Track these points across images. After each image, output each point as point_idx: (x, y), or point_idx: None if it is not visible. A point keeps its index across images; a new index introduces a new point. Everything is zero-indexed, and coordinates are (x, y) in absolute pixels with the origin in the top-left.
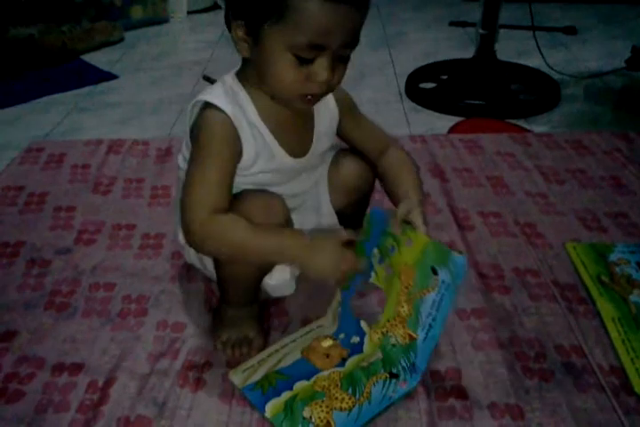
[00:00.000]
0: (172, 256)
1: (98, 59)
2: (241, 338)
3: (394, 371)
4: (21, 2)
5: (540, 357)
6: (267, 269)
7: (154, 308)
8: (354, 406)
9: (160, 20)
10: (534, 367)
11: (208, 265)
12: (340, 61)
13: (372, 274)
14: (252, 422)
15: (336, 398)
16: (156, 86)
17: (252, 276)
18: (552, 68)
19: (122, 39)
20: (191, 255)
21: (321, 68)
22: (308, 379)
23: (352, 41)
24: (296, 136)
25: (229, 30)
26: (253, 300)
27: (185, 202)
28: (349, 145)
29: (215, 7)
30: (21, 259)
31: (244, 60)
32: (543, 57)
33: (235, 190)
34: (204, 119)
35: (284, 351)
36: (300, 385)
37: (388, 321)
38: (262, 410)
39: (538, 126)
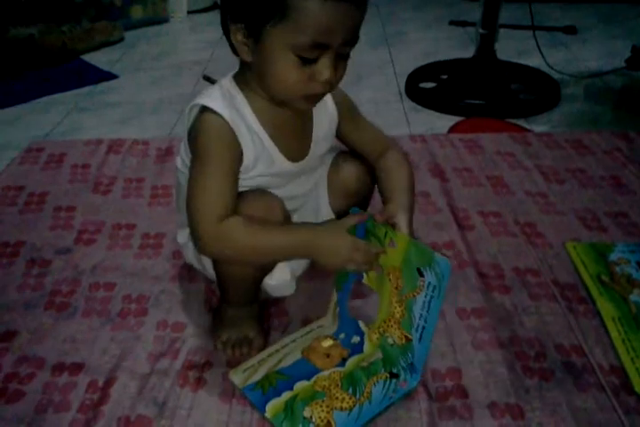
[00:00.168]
0: (173, 256)
1: (98, 59)
2: (241, 338)
3: (394, 371)
4: (21, 2)
5: (540, 356)
6: (267, 269)
7: (154, 308)
8: (354, 405)
9: (160, 19)
10: (534, 367)
11: (207, 265)
12: (341, 59)
13: (364, 275)
14: (253, 422)
15: (336, 398)
16: (156, 86)
17: (252, 276)
18: (552, 68)
19: (122, 39)
20: (190, 256)
21: (324, 67)
22: (308, 379)
23: (353, 39)
24: (294, 140)
25: (226, 35)
26: (253, 300)
27: (192, 215)
28: (348, 147)
29: (215, 7)
30: (21, 259)
31: (242, 64)
32: (543, 57)
33: None
34: (202, 123)
35: (285, 351)
36: (300, 385)
37: (384, 322)
38: (262, 410)
39: (538, 126)
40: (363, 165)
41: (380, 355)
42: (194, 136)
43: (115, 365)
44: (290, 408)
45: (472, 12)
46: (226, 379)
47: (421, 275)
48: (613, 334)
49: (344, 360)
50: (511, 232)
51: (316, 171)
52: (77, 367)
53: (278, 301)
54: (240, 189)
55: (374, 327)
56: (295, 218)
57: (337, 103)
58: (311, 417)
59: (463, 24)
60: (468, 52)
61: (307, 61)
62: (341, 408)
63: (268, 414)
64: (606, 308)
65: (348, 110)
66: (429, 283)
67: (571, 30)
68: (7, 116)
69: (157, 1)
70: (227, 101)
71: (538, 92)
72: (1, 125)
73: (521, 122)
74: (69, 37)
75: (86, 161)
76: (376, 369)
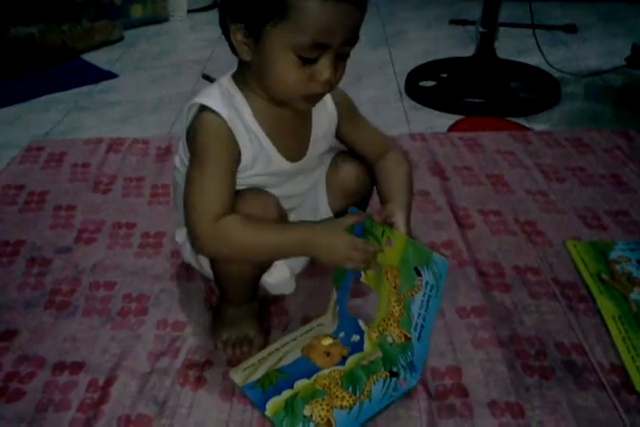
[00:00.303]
0: (172, 255)
1: (98, 58)
2: (241, 337)
3: (394, 369)
4: (21, 1)
5: (540, 355)
6: (264, 266)
7: (154, 307)
8: (354, 404)
9: (160, 18)
10: (534, 365)
11: (204, 265)
12: (340, 59)
13: (362, 273)
14: (253, 421)
15: (336, 397)
16: (156, 85)
17: (250, 274)
18: (552, 67)
19: (122, 38)
20: (187, 255)
21: (324, 67)
22: (308, 377)
23: (353, 39)
24: (293, 139)
25: (226, 34)
26: (252, 298)
27: (189, 214)
28: (348, 147)
29: (215, 6)
30: (21, 258)
31: (241, 63)
32: (543, 55)
33: None
34: (200, 122)
35: (285, 350)
36: (300, 384)
37: (383, 320)
38: (263, 408)
39: (538, 124)
40: (362, 165)
41: (379, 354)
42: (192, 135)
43: (115, 364)
44: (290, 407)
45: (472, 11)
46: (226, 378)
47: (419, 274)
48: (614, 332)
49: (344, 359)
50: (511, 231)
51: (314, 170)
52: (78, 366)
53: (278, 299)
54: (237, 188)
55: (374, 326)
56: (293, 217)
57: (336, 103)
58: (311, 416)
59: (463, 23)
60: (468, 51)
61: (307, 61)
62: (341, 407)
63: (268, 413)
64: (606, 306)
65: (347, 110)
66: (427, 282)
67: (571, 29)
68: (7, 115)
69: (157, 0)
70: (225, 101)
71: (538, 90)
72: (1, 124)
73: (521, 120)
74: (69, 37)
75: (86, 160)
76: (376, 368)
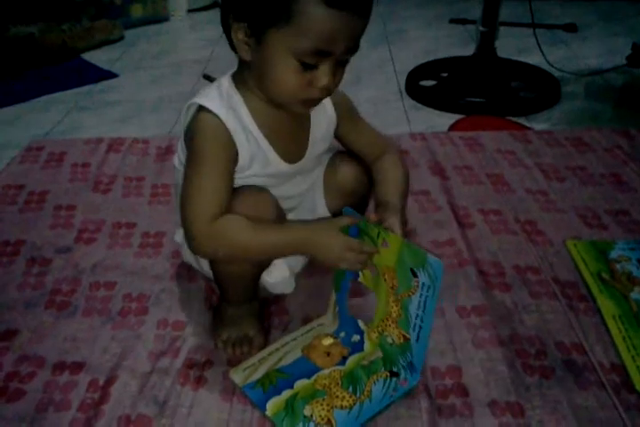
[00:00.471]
0: (172, 255)
1: (98, 57)
2: (241, 337)
3: (394, 369)
4: (21, 0)
5: (540, 354)
6: (264, 265)
7: (154, 306)
8: (354, 404)
9: (160, 18)
10: (535, 365)
11: (204, 265)
12: (339, 66)
13: (360, 274)
14: (253, 421)
15: (337, 397)
16: (156, 85)
17: (249, 273)
18: (552, 66)
19: (122, 38)
20: (187, 254)
21: (324, 74)
22: (308, 377)
23: (354, 47)
24: (291, 141)
25: (226, 32)
26: (252, 297)
27: (185, 215)
28: (346, 148)
29: (215, 5)
30: (22, 258)
31: (241, 63)
32: (543, 54)
33: None
34: (198, 123)
35: (285, 350)
36: (300, 384)
37: (382, 321)
38: (263, 408)
39: (538, 124)
40: (360, 165)
41: (380, 354)
42: (190, 136)
43: (115, 364)
44: (290, 407)
45: (472, 10)
46: (226, 377)
47: (415, 275)
48: (614, 331)
49: (344, 359)
50: (511, 230)
51: (312, 171)
52: (78, 366)
53: (278, 299)
54: (235, 187)
55: (373, 326)
56: (291, 217)
57: (335, 104)
58: (311, 416)
59: (463, 22)
60: (469, 50)
61: (307, 67)
62: (342, 407)
63: (268, 413)
64: (607, 306)
65: (346, 111)
66: (423, 283)
67: (571, 28)
68: (7, 115)
69: None
70: (224, 101)
71: (538, 89)
72: (1, 124)
73: (521, 120)
74: (69, 36)
75: (86, 160)
76: (376, 368)
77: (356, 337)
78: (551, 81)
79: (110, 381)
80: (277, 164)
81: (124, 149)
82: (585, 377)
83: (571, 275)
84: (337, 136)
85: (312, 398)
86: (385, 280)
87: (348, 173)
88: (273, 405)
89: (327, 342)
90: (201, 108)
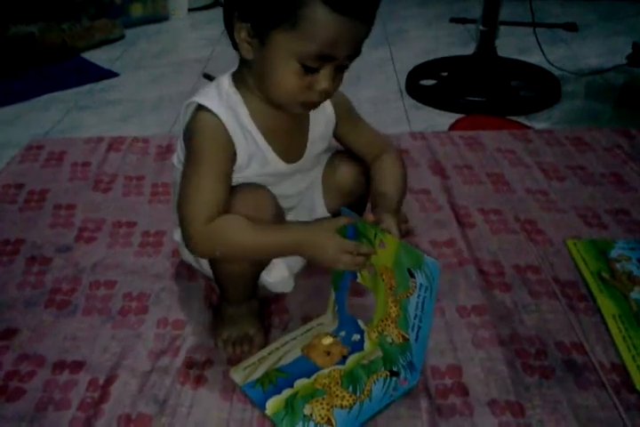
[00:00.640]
0: (173, 254)
1: (98, 56)
2: (241, 336)
3: (394, 369)
4: (21, 0)
5: (540, 354)
6: (264, 264)
7: (154, 305)
8: (354, 403)
9: (160, 17)
10: (535, 365)
11: (204, 264)
12: (340, 70)
13: (358, 274)
14: (253, 420)
15: (337, 396)
16: (157, 84)
17: (249, 272)
18: (552, 65)
19: (122, 37)
20: (186, 254)
21: (325, 78)
22: (308, 377)
23: (357, 52)
24: (290, 141)
25: (229, 30)
26: (252, 295)
27: (183, 215)
28: (345, 148)
29: (215, 4)
30: (22, 257)
31: (242, 62)
32: (544, 53)
33: None
34: (197, 122)
35: (285, 349)
36: (300, 383)
37: (382, 321)
38: (263, 407)
39: (538, 123)
40: (358, 165)
41: (380, 353)
42: (189, 136)
43: (115, 363)
44: (290, 406)
45: (472, 10)
46: (226, 377)
47: (412, 276)
48: (614, 331)
49: (344, 358)
50: (512, 229)
51: (311, 170)
52: (78, 365)
53: (278, 298)
54: (233, 185)
55: (372, 326)
56: (290, 217)
57: (335, 104)
58: (311, 415)
59: (464, 21)
60: (469, 50)
61: (309, 70)
62: (342, 406)
63: (268, 412)
64: (607, 305)
65: (345, 111)
66: (421, 284)
67: (571, 27)
68: (7, 114)
69: None
70: (223, 100)
71: (538, 89)
72: (1, 124)
73: (521, 119)
74: (69, 35)
75: (86, 159)
76: (376, 367)
77: (356, 336)
78: (551, 80)
79: (110, 380)
80: (276, 163)
81: (124, 148)
82: (585, 377)
83: (571, 274)
84: (336, 136)
85: (312, 398)
86: (383, 280)
87: (346, 173)
88: (273, 404)
89: (327, 341)
90: (200, 108)
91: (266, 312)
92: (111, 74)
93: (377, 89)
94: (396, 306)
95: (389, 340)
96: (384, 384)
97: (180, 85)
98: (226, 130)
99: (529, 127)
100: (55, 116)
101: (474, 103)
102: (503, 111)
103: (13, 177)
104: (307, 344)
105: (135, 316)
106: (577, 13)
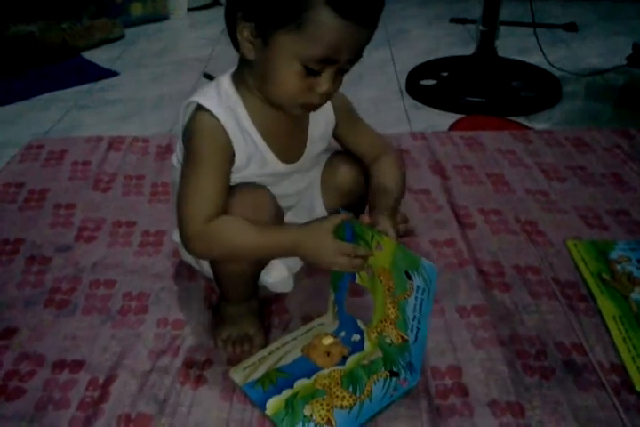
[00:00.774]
0: (173, 254)
1: (98, 56)
2: (241, 335)
3: (394, 369)
4: None
5: (540, 354)
6: (263, 263)
7: (154, 305)
8: (355, 404)
9: (160, 17)
10: (535, 365)
11: (204, 265)
12: (340, 73)
13: (356, 275)
14: (253, 420)
15: (337, 396)
16: (157, 83)
17: (249, 272)
18: (553, 65)
19: (122, 36)
20: (185, 254)
21: (326, 80)
22: (308, 377)
23: (358, 57)
24: (289, 141)
25: (230, 29)
26: (252, 295)
27: (181, 215)
28: (344, 148)
29: (215, 4)
30: (21, 256)
31: (242, 62)
32: (544, 54)
33: None
34: (196, 123)
35: (285, 349)
36: (300, 383)
37: (381, 322)
38: (263, 408)
39: (538, 123)
40: (357, 165)
41: (380, 353)
42: (188, 136)
43: (115, 362)
44: (290, 406)
45: (473, 10)
46: (226, 377)
47: (410, 278)
48: (614, 332)
49: (344, 358)
50: (512, 230)
51: (311, 170)
52: (78, 365)
53: (278, 298)
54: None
55: (372, 327)
56: (290, 216)
57: (335, 105)
58: (311, 415)
59: (464, 21)
60: (469, 50)
61: (310, 73)
62: (342, 406)
63: (268, 412)
64: (607, 306)
65: (345, 112)
66: (418, 286)
67: (571, 27)
68: (7, 113)
69: None
70: (222, 100)
71: (538, 89)
72: (1, 123)
73: (522, 119)
74: (69, 34)
75: (86, 158)
76: (376, 367)
77: (357, 337)
78: (551, 81)
79: (110, 379)
80: (274, 164)
81: (124, 148)
82: (585, 378)
83: (571, 275)
84: (335, 136)
85: (312, 398)
86: (381, 282)
87: (345, 173)
88: (273, 404)
89: (327, 341)
90: (199, 108)
91: (266, 312)
92: (111, 73)
93: (377, 89)
94: (394, 307)
95: (389, 341)
96: (384, 385)
97: (179, 85)
98: (224, 131)
99: (529, 128)
100: (55, 115)
101: (474, 103)
102: (503, 112)
103: (13, 176)
104: (307, 344)
105: (135, 315)
106: (577, 14)
